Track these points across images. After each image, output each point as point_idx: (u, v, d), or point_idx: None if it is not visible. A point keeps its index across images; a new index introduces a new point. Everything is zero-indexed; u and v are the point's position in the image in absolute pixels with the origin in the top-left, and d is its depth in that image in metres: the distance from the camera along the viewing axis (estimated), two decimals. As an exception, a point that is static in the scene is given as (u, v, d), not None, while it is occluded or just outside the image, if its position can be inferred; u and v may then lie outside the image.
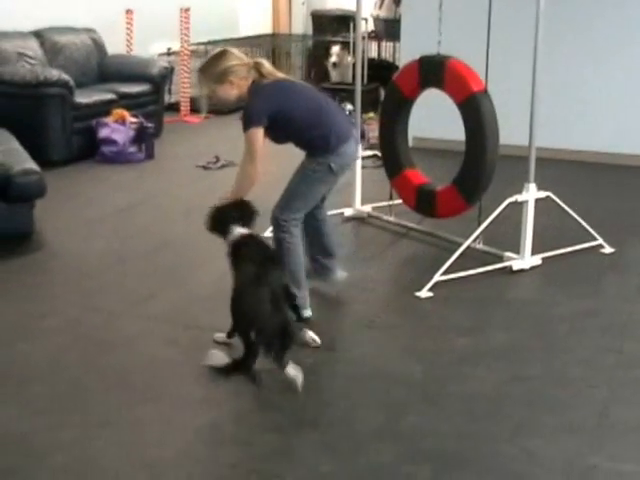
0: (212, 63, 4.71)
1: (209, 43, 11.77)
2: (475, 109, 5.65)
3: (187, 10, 10.91)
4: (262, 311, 4.03)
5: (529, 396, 4.08)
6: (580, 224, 6.08)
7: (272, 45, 13.83)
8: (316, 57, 13.76)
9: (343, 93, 10.12)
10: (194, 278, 5.47)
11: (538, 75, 5.53)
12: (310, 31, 14.37)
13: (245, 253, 4.37)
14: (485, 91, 5.68)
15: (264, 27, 14.22)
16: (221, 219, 4.57)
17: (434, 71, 5.90)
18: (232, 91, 4.70)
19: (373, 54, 13.12)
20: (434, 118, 7.81)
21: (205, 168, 8.24)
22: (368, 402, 4.02)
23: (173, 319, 4.88)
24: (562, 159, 8.65)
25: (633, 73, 8.71)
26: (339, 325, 4.89)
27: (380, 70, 11.22)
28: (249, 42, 12.81)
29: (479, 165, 5.72)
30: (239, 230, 4.48)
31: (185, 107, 11.12)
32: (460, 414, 3.91)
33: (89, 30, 9.81)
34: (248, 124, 4.63)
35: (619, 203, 7.47)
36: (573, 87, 8.89)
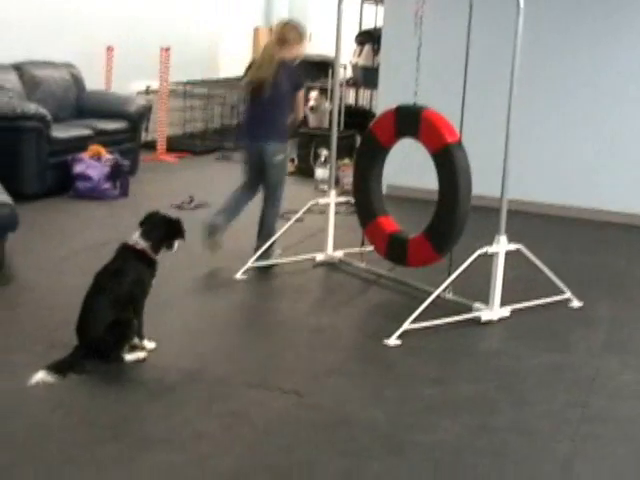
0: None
1: (188, 83, 11.84)
2: (449, 160, 5.71)
3: (167, 49, 10.97)
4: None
5: (494, 447, 4.08)
6: (549, 277, 6.13)
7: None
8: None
9: (319, 138, 10.21)
10: (163, 316, 5.45)
11: (512, 128, 5.60)
12: (289, 75, 14.46)
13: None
14: (459, 142, 5.74)
15: (243, 69, 14.27)
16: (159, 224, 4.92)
17: (410, 120, 5.96)
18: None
19: (351, 101, 13.23)
20: (409, 167, 7.89)
21: (179, 208, 8.25)
22: (332, 449, 4.01)
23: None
24: (533, 212, 8.77)
25: (604, 130, 8.85)
26: (306, 370, 4.88)
27: (357, 117, 11.31)
28: (229, 83, 12.88)
29: (451, 216, 5.76)
30: (135, 237, 4.82)
31: (162, 146, 11.14)
32: (424, 463, 3.91)
33: (69, 65, 9.83)
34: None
35: (588, 257, 7.56)
36: (546, 141, 9.02)
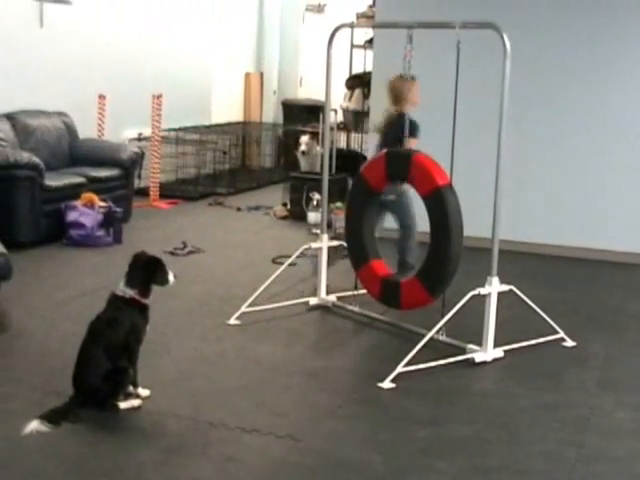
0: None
1: (180, 129, 11.91)
2: (440, 203, 5.75)
3: (159, 97, 11.05)
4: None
5: (489, 489, 4.10)
6: (542, 317, 6.15)
7: (243, 132, 14.00)
8: (286, 145, 13.95)
9: (311, 182, 10.26)
10: (157, 362, 5.45)
11: (502, 169, 5.66)
12: (281, 120, 14.60)
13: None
14: (450, 185, 5.79)
15: (236, 115, 14.42)
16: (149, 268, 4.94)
17: (400, 164, 6.02)
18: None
19: (342, 145, 13.33)
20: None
21: (172, 254, 8.26)
22: (328, 493, 4.02)
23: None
24: (525, 252, 8.81)
25: (594, 170, 8.91)
26: (301, 414, 4.89)
27: (348, 160, 11.36)
28: (221, 129, 12.98)
29: (443, 259, 5.79)
30: (121, 286, 4.84)
31: (154, 192, 11.19)
32: (420, 506, 3.92)
33: (61, 114, 9.90)
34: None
35: (580, 296, 7.58)
36: (537, 182, 9.09)
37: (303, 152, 11.55)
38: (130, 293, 4.81)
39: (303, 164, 11.64)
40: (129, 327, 4.79)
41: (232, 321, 6.33)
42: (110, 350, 4.72)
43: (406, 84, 6.57)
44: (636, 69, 8.82)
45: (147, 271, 4.89)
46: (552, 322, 6.18)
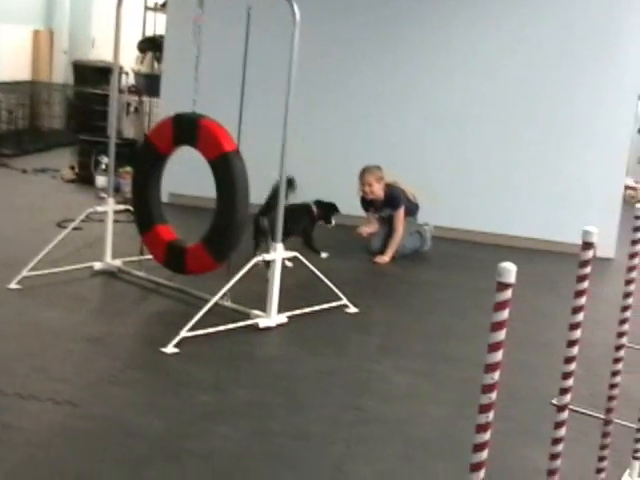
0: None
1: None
2: (226, 168, 5.75)
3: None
4: None
5: (270, 452, 4.13)
6: (326, 284, 6.27)
7: (31, 92, 13.53)
8: (77, 107, 13.58)
9: (100, 145, 10.03)
10: None
11: (288, 136, 5.69)
12: (71, 81, 14.19)
13: None
14: (237, 151, 5.79)
15: (23, 73, 13.88)
16: None
17: (187, 129, 5.97)
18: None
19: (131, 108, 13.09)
20: (190, 175, 7.84)
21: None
22: (108, 458, 3.95)
23: None
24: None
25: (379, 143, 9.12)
26: (81, 380, 4.79)
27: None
28: (6, 88, 12.50)
29: (228, 224, 5.80)
30: None
31: None
32: (201, 470, 3.92)
33: None
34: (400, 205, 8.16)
35: (362, 265, 7.78)
36: (329, 139, 9.21)
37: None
38: None
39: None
40: None
41: (12, 285, 6.13)
42: None
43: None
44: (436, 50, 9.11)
45: None
46: (335, 289, 6.31)
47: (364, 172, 8.10)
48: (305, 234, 7.45)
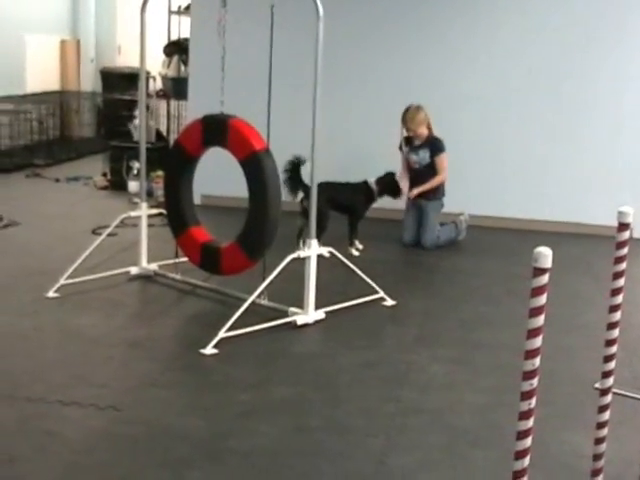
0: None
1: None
2: (257, 167, 5.76)
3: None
4: None
5: (310, 447, 4.14)
6: (362, 278, 6.26)
7: (60, 102, 13.63)
8: (106, 114, 13.66)
9: (131, 151, 10.08)
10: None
11: (317, 132, 5.68)
12: (100, 88, 14.27)
13: None
14: (267, 149, 5.79)
15: (52, 84, 13.99)
16: None
17: (217, 130, 5.98)
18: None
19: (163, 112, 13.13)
20: (221, 176, 7.86)
21: (-12, 227, 8.02)
22: (151, 461, 3.97)
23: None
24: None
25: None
26: (122, 385, 4.82)
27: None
28: (36, 99, 12.60)
29: (261, 222, 5.82)
30: None
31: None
32: (242, 468, 3.93)
33: None
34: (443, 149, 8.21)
35: (398, 257, 7.76)
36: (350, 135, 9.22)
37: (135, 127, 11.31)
38: None
39: (136, 135, 11.38)
40: None
41: (50, 294, 6.18)
42: None
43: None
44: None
45: None
46: (372, 282, 6.30)
47: (409, 111, 8.19)
48: (356, 214, 7.54)
